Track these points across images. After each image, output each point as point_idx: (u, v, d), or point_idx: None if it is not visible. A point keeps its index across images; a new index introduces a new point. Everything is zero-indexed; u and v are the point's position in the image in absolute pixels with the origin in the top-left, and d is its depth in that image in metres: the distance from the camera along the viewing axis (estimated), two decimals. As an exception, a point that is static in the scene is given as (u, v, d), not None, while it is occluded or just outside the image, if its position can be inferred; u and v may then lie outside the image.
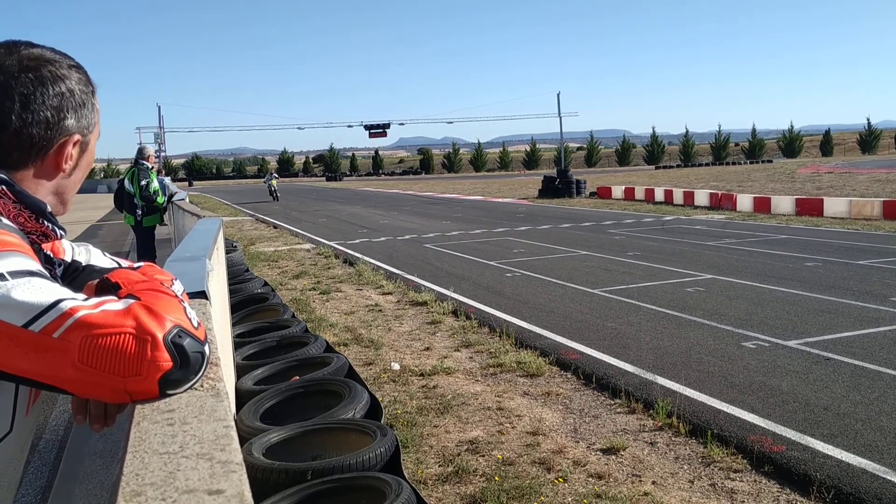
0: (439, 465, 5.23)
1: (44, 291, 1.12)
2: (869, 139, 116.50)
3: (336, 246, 19.30)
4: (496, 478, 4.93)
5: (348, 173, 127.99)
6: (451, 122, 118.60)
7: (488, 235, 20.84)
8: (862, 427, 5.61)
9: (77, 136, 1.34)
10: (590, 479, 4.94)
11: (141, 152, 11.54)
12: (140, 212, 11.16)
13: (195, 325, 1.24)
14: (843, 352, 7.58)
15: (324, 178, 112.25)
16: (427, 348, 8.51)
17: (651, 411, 6.13)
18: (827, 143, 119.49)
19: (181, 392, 1.21)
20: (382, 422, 4.08)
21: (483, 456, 5.37)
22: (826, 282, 11.53)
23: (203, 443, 1.04)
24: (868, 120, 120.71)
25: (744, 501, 4.61)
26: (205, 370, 1.24)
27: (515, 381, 7.19)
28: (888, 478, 4.75)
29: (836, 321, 8.93)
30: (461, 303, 10.82)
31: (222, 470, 0.95)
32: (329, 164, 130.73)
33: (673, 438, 5.64)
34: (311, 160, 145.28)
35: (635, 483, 4.87)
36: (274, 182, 46.58)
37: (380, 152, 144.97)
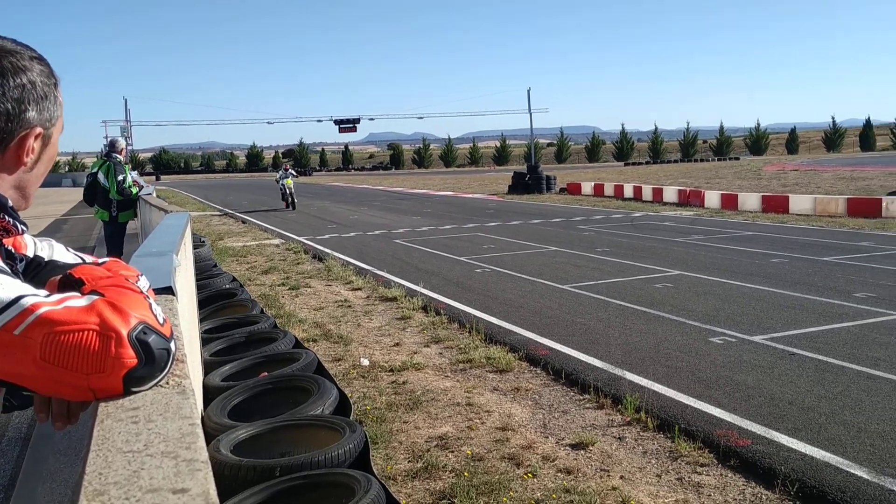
0: (409, 461, 5.23)
1: (4, 287, 1.10)
2: (834, 137, 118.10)
3: (305, 241, 19.21)
4: (466, 473, 4.93)
5: (318, 168, 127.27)
6: (421, 118, 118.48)
7: (458, 231, 20.86)
8: (826, 421, 5.69)
9: (39, 129, 1.31)
10: (559, 473, 4.97)
11: (113, 145, 11.25)
12: (115, 207, 10.94)
13: (161, 321, 1.22)
14: (808, 347, 7.68)
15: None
16: (396, 344, 8.50)
17: (619, 406, 6.17)
18: (793, 140, 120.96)
19: (146, 389, 1.19)
20: (352, 418, 4.06)
21: (453, 451, 5.37)
22: (791, 278, 11.68)
23: (168, 441, 1.02)
24: (833, 118, 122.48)
25: (710, 495, 4.66)
26: (170, 367, 1.22)
27: (485, 376, 7.21)
28: (851, 471, 4.82)
29: (801, 317, 9.05)
30: (431, 298, 10.82)
31: (187, 468, 0.94)
32: (298, 158, 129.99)
33: (641, 433, 5.69)
34: (280, 155, 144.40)
35: (604, 478, 4.90)
36: (290, 182, 31.43)
37: (350, 147, 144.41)
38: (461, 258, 15.18)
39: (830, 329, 8.41)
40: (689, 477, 4.92)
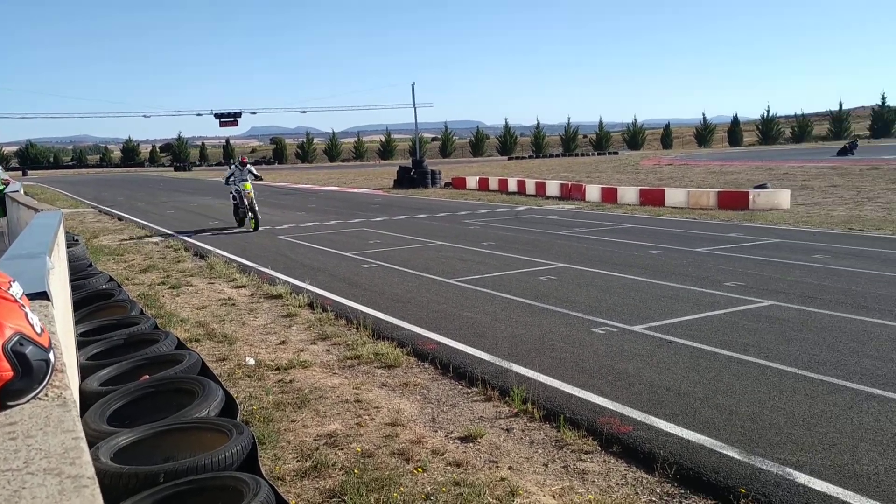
0: (297, 461, 5.17)
1: None
2: (705, 133, 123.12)
3: (186, 238, 18.68)
4: (356, 470, 4.92)
5: (198, 163, 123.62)
6: (304, 112, 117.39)
7: (344, 226, 20.73)
8: (700, 405, 5.95)
9: None
10: (448, 467, 5.02)
11: None
12: None
13: (38, 330, 1.17)
14: (684, 335, 8.02)
15: (172, 168, 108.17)
16: (283, 342, 8.38)
17: (507, 398, 6.27)
18: (667, 136, 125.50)
19: (24, 403, 1.14)
20: (238, 419, 4.00)
21: (342, 449, 5.35)
22: (668, 269, 12.15)
23: (50, 457, 0.98)
24: (703, 115, 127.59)
25: (594, 481, 4.80)
26: (49, 378, 1.17)
27: (373, 372, 7.20)
28: (724, 452, 5.06)
29: (677, 306, 9.42)
30: (317, 295, 10.72)
31: (73, 485, 0.90)
32: (177, 153, 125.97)
33: (528, 424, 5.80)
34: (157, 149, 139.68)
35: (492, 469, 4.98)
36: (249, 187, 20.28)
37: (231, 142, 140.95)
38: (347, 254, 15.09)
39: (704, 317, 8.80)
40: (575, 464, 5.06)
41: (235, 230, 20.29)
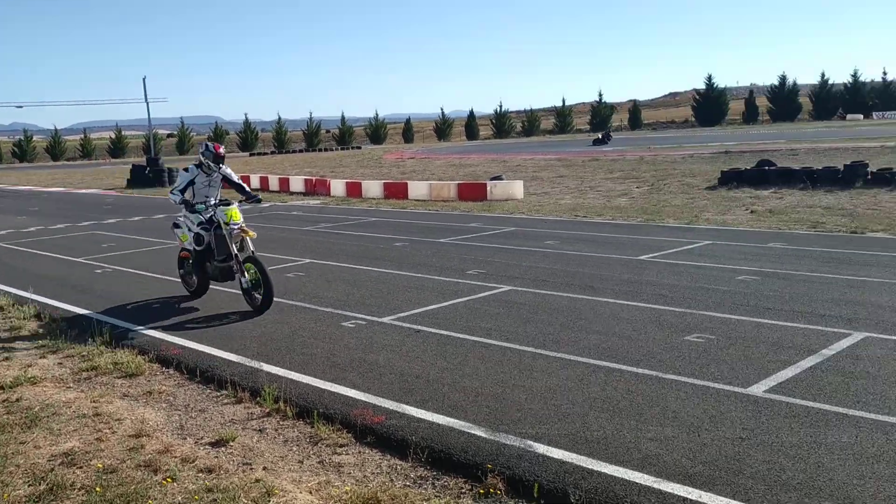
0: (29, 485, 4.75)
1: None
2: (444, 127, 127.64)
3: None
4: (97, 488, 4.60)
5: None
6: (20, 107, 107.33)
7: (73, 230, 19.32)
8: (448, 390, 6.18)
9: None
10: (200, 474, 4.84)
11: None
12: None
13: None
14: (430, 323, 8.28)
15: None
16: (6, 358, 7.67)
17: (258, 399, 6.16)
18: (408, 130, 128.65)
19: None
20: (-44, 447, 3.62)
21: (81, 467, 4.98)
22: (413, 260, 12.50)
23: None
24: (442, 110, 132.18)
25: (350, 473, 4.84)
26: None
27: (113, 383, 6.79)
28: (472, 432, 5.29)
29: (423, 296, 9.72)
30: (45, 305, 9.90)
31: None
32: None
33: (281, 422, 5.74)
34: None
35: (246, 472, 4.86)
36: (237, 215, 9.25)
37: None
38: (79, 259, 14.09)
39: (449, 305, 9.15)
40: (330, 458, 5.07)
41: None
